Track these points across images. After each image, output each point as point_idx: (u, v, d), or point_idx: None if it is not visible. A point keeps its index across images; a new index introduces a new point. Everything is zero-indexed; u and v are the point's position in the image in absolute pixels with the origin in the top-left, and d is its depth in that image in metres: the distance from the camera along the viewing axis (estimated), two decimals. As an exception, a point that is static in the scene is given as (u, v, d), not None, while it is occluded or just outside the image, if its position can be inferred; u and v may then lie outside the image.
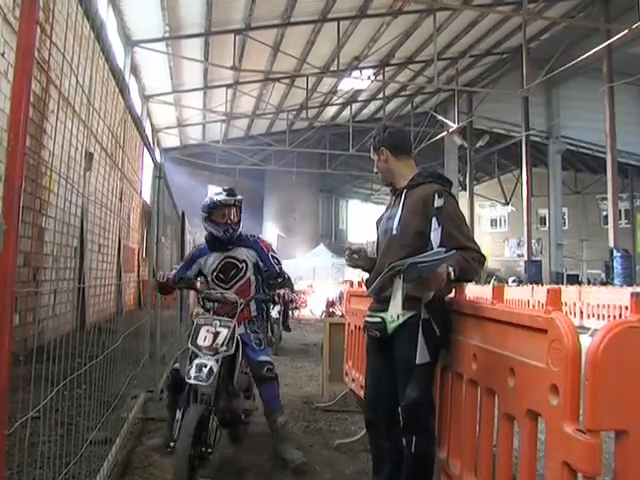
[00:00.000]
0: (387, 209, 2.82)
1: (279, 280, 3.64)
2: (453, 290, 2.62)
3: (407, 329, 2.46)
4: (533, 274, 22.16)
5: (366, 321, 2.74)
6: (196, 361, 2.91)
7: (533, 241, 25.61)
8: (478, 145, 25.17)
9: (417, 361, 2.42)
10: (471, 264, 2.46)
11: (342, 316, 8.74)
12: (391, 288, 2.40)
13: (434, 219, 2.53)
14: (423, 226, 2.52)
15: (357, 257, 2.75)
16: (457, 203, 2.66)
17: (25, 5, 1.66)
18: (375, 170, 2.84)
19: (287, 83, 20.65)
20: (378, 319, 2.60)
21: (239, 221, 3.66)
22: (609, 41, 15.06)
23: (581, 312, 13.66)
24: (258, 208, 32.81)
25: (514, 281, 22.54)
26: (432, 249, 2.44)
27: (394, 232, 2.60)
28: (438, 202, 2.56)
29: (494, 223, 36.78)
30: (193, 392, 2.93)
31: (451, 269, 2.38)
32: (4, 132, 4.56)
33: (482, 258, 2.54)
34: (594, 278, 26.62)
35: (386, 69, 21.05)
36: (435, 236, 2.51)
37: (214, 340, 3.02)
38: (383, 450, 2.68)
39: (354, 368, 4.39)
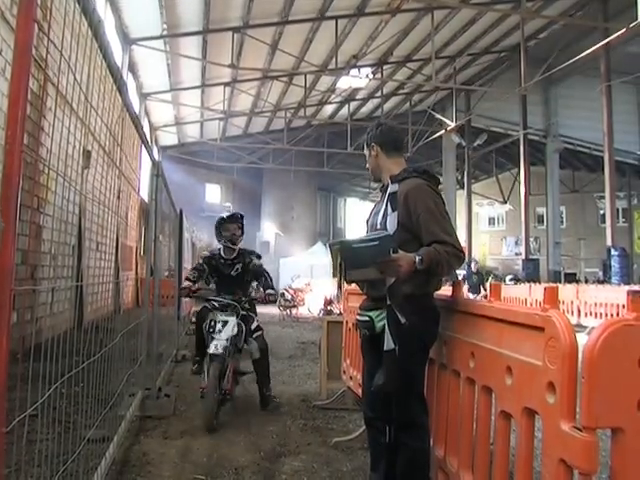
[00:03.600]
0: (375, 205, 2.86)
1: None
2: (431, 282, 2.59)
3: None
4: (531, 272, 22.17)
5: (357, 320, 2.78)
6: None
7: (531, 239, 25.63)
8: (476, 143, 25.20)
9: (384, 348, 2.45)
10: (443, 256, 2.42)
11: (340, 314, 8.74)
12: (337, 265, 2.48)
13: (388, 204, 2.57)
14: (406, 219, 2.53)
15: None
16: (441, 198, 2.65)
17: (23, 3, 1.65)
18: (367, 166, 2.88)
19: (285, 81, 20.61)
20: (367, 318, 2.64)
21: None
22: (607, 40, 15.04)
23: (578, 310, 13.70)
24: (256, 206, 32.81)
25: (512, 279, 22.59)
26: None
27: (378, 226, 2.62)
28: (392, 188, 2.61)
29: (492, 221, 36.83)
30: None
31: (418, 258, 2.38)
32: (2, 130, 4.55)
33: (459, 253, 2.50)
34: (592, 276, 26.69)
35: (384, 67, 21.02)
36: (390, 221, 2.53)
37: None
38: (380, 446, 2.69)
39: (352, 366, 4.40)
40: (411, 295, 2.47)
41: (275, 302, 5.20)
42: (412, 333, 2.45)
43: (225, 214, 5.17)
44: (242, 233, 5.10)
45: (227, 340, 4.40)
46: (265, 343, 4.92)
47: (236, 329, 4.54)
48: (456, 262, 2.49)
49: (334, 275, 2.58)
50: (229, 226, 5.03)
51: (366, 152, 2.85)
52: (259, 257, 5.19)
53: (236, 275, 5.04)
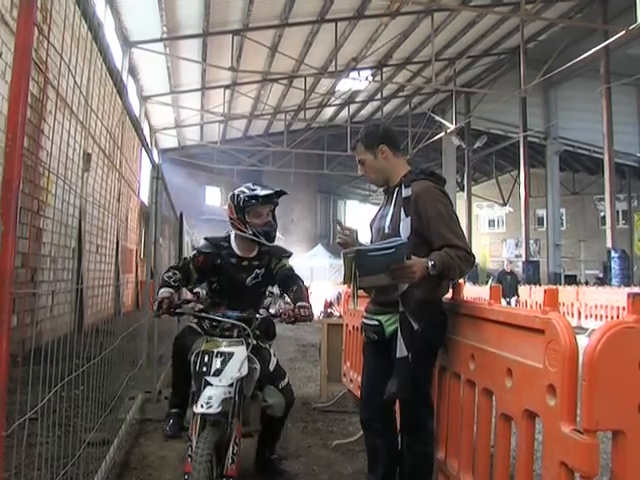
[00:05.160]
0: (380, 208, 2.79)
1: None
2: (441, 287, 2.57)
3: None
4: (531, 274, 22.18)
5: (364, 323, 2.74)
6: None
7: (531, 241, 25.66)
8: (476, 146, 25.25)
9: (397, 355, 2.40)
10: (455, 261, 2.38)
11: (340, 317, 8.74)
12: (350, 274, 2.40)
13: (401, 209, 2.51)
14: (417, 224, 2.48)
15: (348, 232, 2.62)
16: (449, 200, 2.59)
17: (23, 6, 1.65)
18: (361, 172, 2.76)
19: (285, 84, 20.66)
20: (375, 322, 2.60)
21: None
22: (606, 42, 15.09)
23: (579, 312, 13.71)
24: (256, 209, 32.75)
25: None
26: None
27: (386, 230, 2.57)
28: (405, 192, 2.53)
29: (492, 224, 36.86)
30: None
31: (430, 263, 2.34)
32: (2, 133, 4.56)
33: (470, 257, 2.47)
34: (592, 278, 26.70)
35: (384, 70, 21.08)
36: (404, 226, 2.47)
37: None
38: (378, 449, 2.67)
39: (352, 369, 4.40)
40: (423, 301, 2.44)
41: (311, 320, 2.83)
42: (423, 338, 2.42)
43: (258, 190, 3.17)
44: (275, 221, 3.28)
45: (231, 386, 2.56)
46: (293, 396, 3.15)
47: (246, 368, 2.63)
48: (467, 266, 2.45)
49: (345, 282, 2.51)
50: (261, 210, 3.15)
51: (367, 156, 2.72)
52: (289, 256, 3.40)
53: (253, 285, 3.17)
